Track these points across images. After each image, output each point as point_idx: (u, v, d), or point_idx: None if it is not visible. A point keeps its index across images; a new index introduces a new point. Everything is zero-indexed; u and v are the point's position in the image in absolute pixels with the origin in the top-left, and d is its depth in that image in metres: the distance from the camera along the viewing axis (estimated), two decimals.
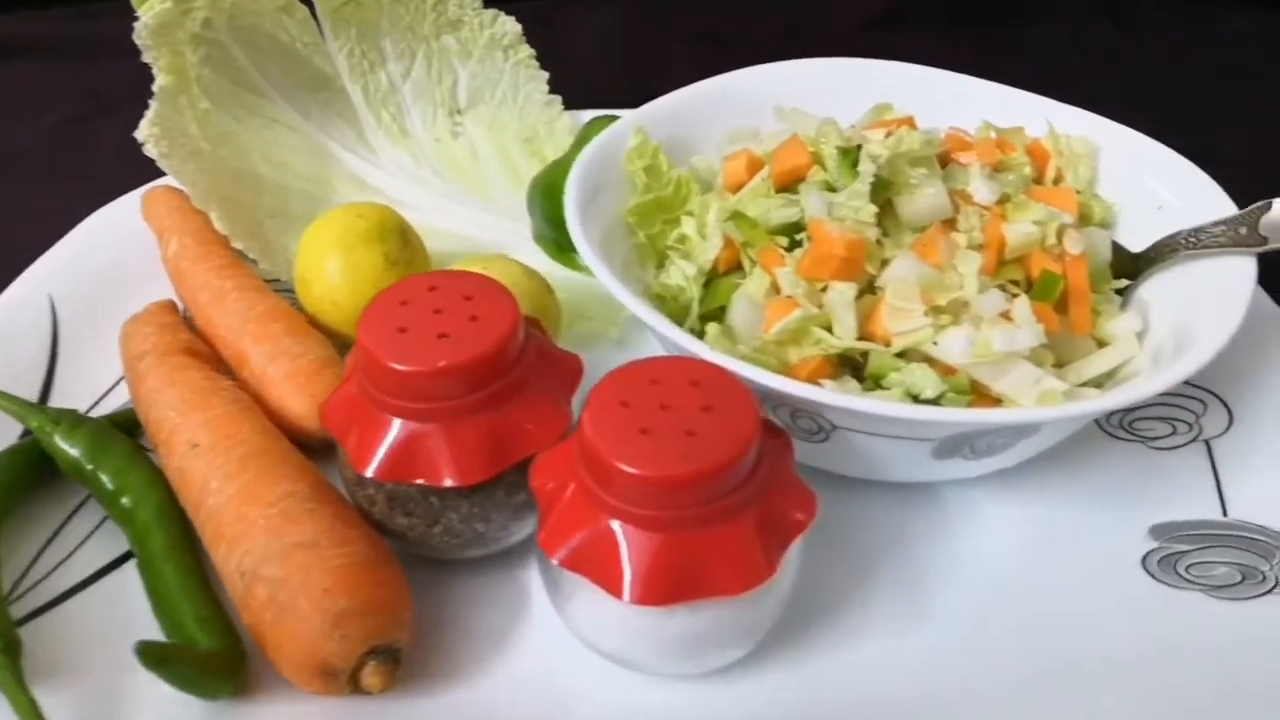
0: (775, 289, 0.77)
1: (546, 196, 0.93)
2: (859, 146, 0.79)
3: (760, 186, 0.84)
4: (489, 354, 0.66)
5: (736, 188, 0.88)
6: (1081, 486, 0.79)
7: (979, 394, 0.71)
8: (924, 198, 0.78)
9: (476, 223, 1.10)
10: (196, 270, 0.93)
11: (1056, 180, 0.90)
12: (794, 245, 0.78)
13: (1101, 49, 1.48)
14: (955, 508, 0.78)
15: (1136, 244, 0.86)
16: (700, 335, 0.78)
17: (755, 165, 0.88)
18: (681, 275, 0.80)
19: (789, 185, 0.83)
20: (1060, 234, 0.78)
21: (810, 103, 0.97)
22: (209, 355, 0.87)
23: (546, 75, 1.18)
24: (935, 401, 0.70)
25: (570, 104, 1.19)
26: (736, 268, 0.81)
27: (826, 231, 0.74)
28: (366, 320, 0.68)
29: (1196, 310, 0.75)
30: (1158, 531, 0.76)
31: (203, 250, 0.95)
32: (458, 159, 1.16)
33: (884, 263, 0.76)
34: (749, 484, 0.60)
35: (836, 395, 0.66)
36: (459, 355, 0.66)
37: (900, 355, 0.72)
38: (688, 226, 0.86)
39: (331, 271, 0.89)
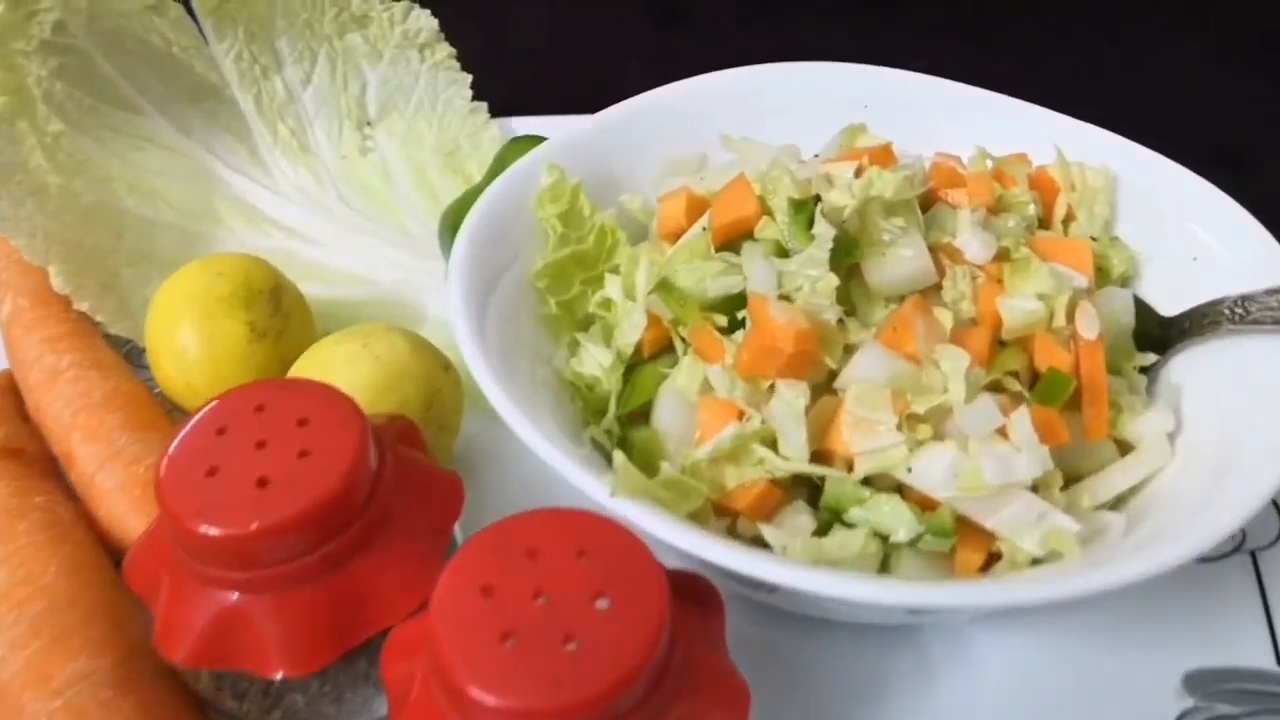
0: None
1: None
2: (816, 198, 0.62)
3: (698, 241, 0.67)
4: (321, 506, 0.51)
5: (675, 236, 0.72)
6: (1098, 617, 0.64)
7: (966, 531, 0.56)
8: (899, 262, 0.62)
9: (386, 260, 0.93)
10: (28, 341, 0.77)
11: (1067, 221, 0.74)
12: (736, 325, 0.62)
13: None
14: (943, 645, 0.63)
15: (1165, 302, 0.70)
16: (620, 442, 0.63)
17: (697, 208, 0.71)
18: (596, 362, 0.64)
19: (733, 241, 0.66)
20: (1071, 308, 0.61)
21: (770, 120, 0.81)
22: (37, 454, 0.72)
23: (469, 78, 1.01)
24: (913, 543, 0.55)
25: (502, 109, 1.02)
26: (668, 348, 0.65)
27: (770, 317, 0.58)
28: (169, 461, 0.53)
29: (1245, 412, 0.59)
30: (1194, 682, 0.61)
31: (39, 314, 0.79)
32: (367, 180, 0.99)
33: (847, 349, 0.60)
34: (652, 696, 0.45)
35: (769, 563, 0.50)
36: (281, 510, 0.50)
37: (866, 482, 0.56)
38: (612, 288, 0.69)
39: (184, 345, 0.73)
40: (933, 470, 0.54)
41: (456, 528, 0.62)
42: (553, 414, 0.61)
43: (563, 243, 0.71)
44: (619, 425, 0.63)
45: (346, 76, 1.01)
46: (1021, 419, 0.55)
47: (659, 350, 0.65)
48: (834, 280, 0.60)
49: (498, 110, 1.02)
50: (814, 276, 0.60)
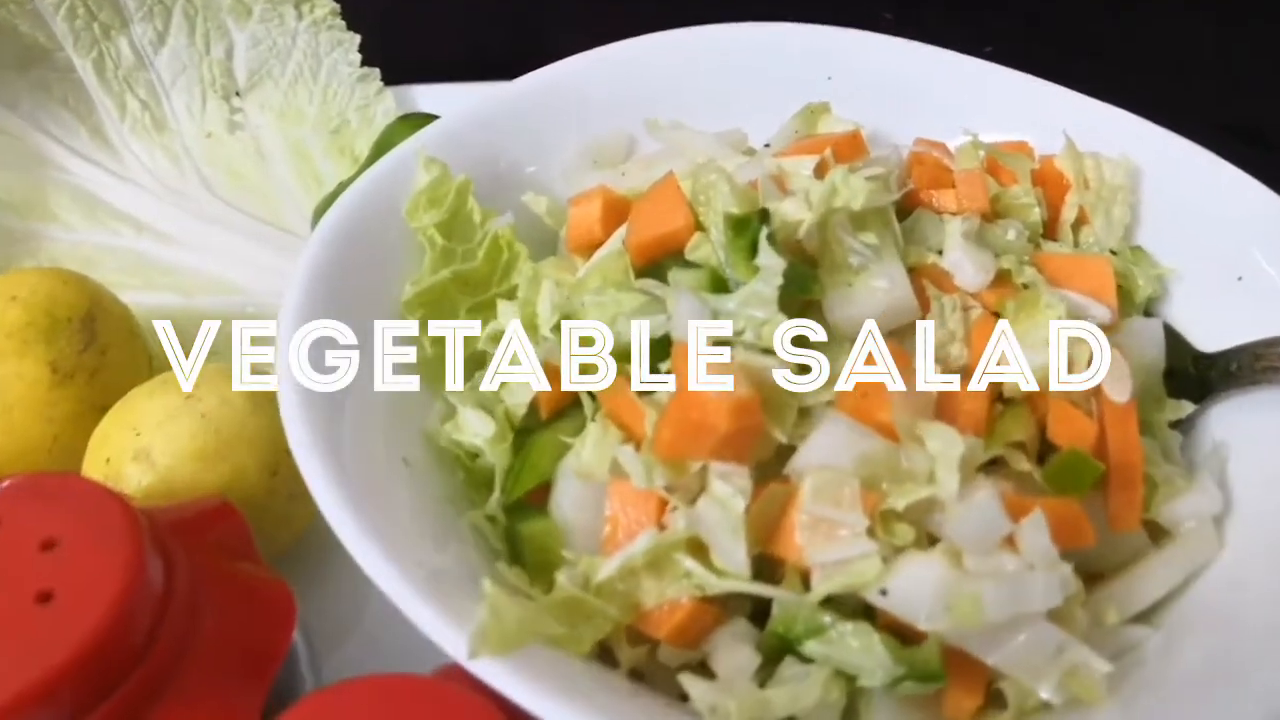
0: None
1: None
2: (763, 214, 0.47)
3: (614, 261, 0.52)
4: (63, 673, 0.36)
5: (589, 249, 0.57)
6: None
7: (958, 666, 0.42)
8: (870, 295, 0.47)
9: (258, 264, 0.78)
10: None
11: (1078, 226, 0.59)
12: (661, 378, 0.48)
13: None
14: None
15: (1201, 333, 0.56)
16: (508, 535, 0.48)
17: (616, 213, 0.56)
18: (475, 431, 0.49)
19: (658, 262, 0.52)
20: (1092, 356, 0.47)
21: (713, 96, 0.65)
22: None
23: (357, 39, 0.85)
24: (891, 686, 0.41)
25: (399, 75, 0.86)
26: (574, 405, 0.50)
27: (699, 381, 0.43)
28: None
29: None
30: None
31: None
32: (236, 163, 0.83)
33: (804, 414, 0.46)
34: None
35: None
36: (9, 682, 0.36)
37: (828, 602, 0.42)
38: (506, 317, 0.54)
39: None
40: (916, 593, 0.40)
41: (298, 643, 0.48)
42: (414, 505, 0.46)
43: (444, 260, 0.56)
44: (506, 514, 0.48)
45: (209, 37, 0.84)
46: (1036, 528, 0.41)
47: (561, 409, 0.50)
48: (784, 321, 0.45)
49: (394, 76, 0.85)
50: (759, 319, 0.46)
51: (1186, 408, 0.52)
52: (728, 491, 0.42)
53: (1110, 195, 0.58)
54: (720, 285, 0.48)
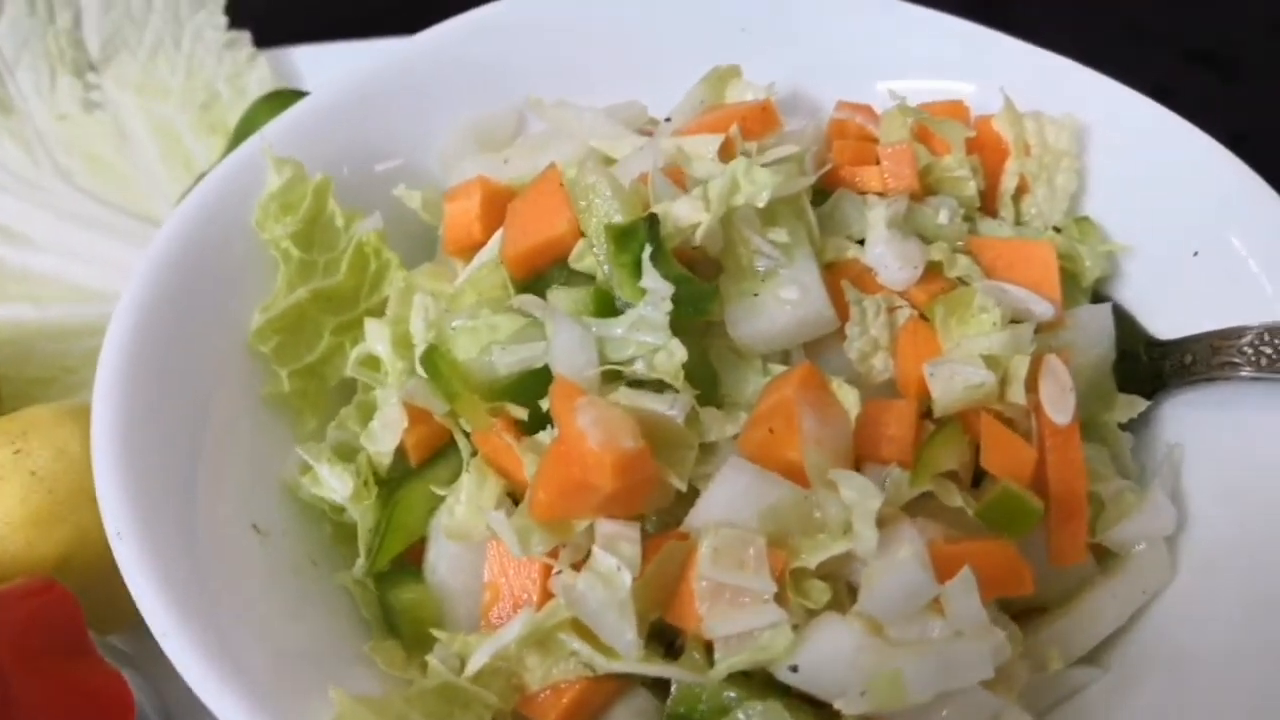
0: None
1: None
2: (650, 220, 0.41)
3: (490, 272, 0.46)
4: None
5: (467, 252, 0.50)
6: None
7: None
8: (778, 309, 0.41)
9: (120, 265, 0.70)
10: None
11: (1019, 196, 0.53)
12: (542, 420, 0.42)
13: None
14: None
15: (1156, 313, 0.50)
16: (380, 604, 0.42)
17: (496, 210, 0.49)
18: (334, 486, 0.43)
19: (540, 273, 0.45)
20: (1036, 367, 0.42)
21: (616, 58, 0.58)
22: None
23: None
24: None
25: (273, 36, 0.76)
26: (450, 446, 0.44)
27: (579, 432, 0.37)
28: None
29: (1273, 503, 0.41)
30: None
31: None
32: (95, 147, 0.74)
33: (705, 450, 0.40)
34: None
35: None
36: None
37: (731, 681, 0.37)
38: (375, 338, 0.48)
39: None
40: (830, 670, 0.35)
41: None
42: (268, 578, 0.40)
43: (301, 276, 0.48)
44: (375, 581, 0.42)
45: (52, 4, 0.75)
46: (965, 589, 0.35)
47: (434, 452, 0.44)
48: (679, 353, 0.39)
49: (268, 37, 0.76)
50: (650, 345, 0.40)
51: (1139, 405, 0.47)
52: (611, 565, 0.36)
53: (1054, 161, 0.52)
54: (608, 304, 0.42)
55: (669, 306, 0.39)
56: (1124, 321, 0.50)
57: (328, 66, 0.74)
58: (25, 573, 0.45)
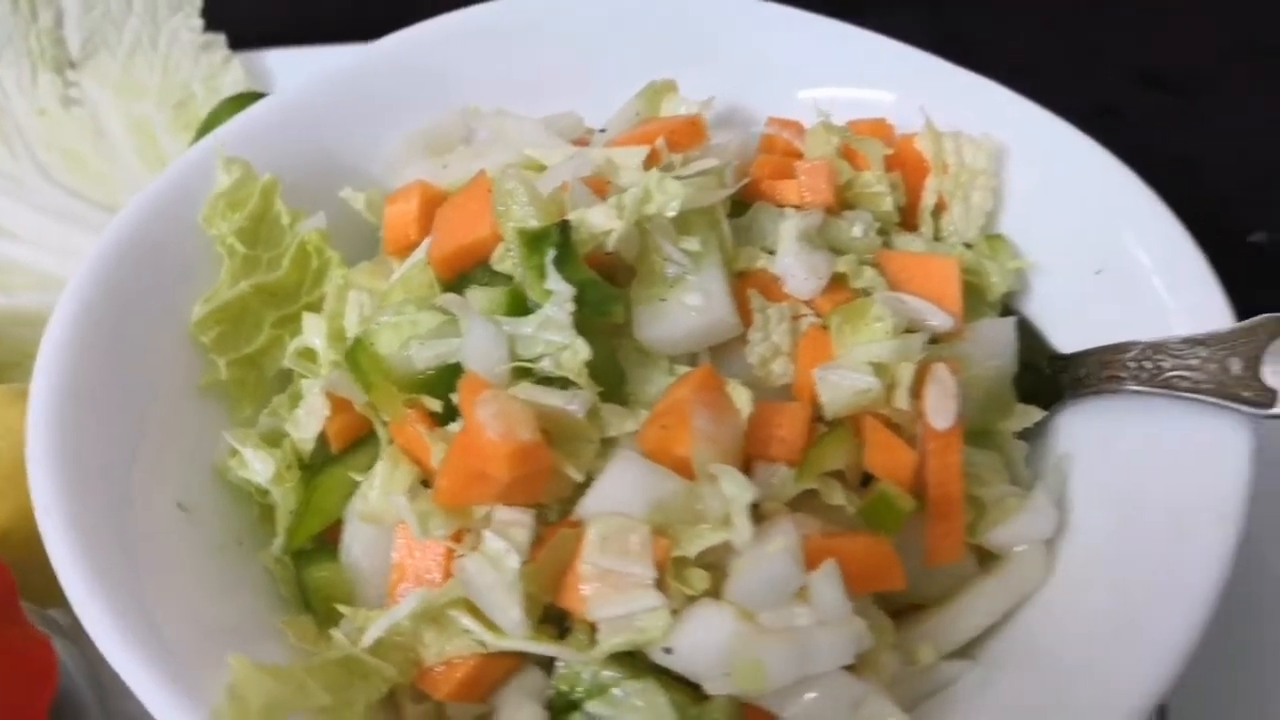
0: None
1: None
2: (562, 226, 0.43)
3: (420, 272, 0.48)
4: None
5: (405, 252, 0.52)
6: None
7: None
8: (682, 314, 0.44)
9: None
10: None
11: (938, 213, 0.55)
12: (455, 412, 0.44)
13: None
14: None
15: (1063, 328, 0.53)
16: (297, 581, 0.45)
17: (432, 212, 0.52)
18: (258, 469, 0.45)
19: (465, 274, 0.47)
20: (923, 375, 0.44)
21: (567, 70, 0.61)
22: None
23: (197, 2, 0.78)
24: None
25: (248, 38, 0.79)
26: (370, 435, 0.47)
27: (479, 424, 0.39)
28: None
29: (1153, 509, 0.43)
30: None
31: None
32: (74, 144, 0.77)
33: (608, 445, 0.43)
34: None
35: None
36: None
37: (615, 659, 0.40)
38: (312, 332, 0.50)
39: None
40: (701, 653, 0.37)
41: (83, 689, 0.45)
42: (195, 554, 0.43)
43: (245, 270, 0.51)
44: (293, 559, 0.45)
45: (35, 2, 0.78)
46: (828, 581, 0.38)
47: (356, 441, 0.46)
48: (582, 351, 0.42)
49: (243, 39, 0.79)
50: (556, 344, 0.42)
51: (1034, 415, 0.49)
52: (500, 548, 0.38)
53: (970, 180, 0.54)
54: (521, 304, 0.44)
55: (572, 307, 0.41)
56: (1029, 336, 0.52)
57: (299, 70, 0.77)
58: None
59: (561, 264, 0.41)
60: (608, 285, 0.43)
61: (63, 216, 0.74)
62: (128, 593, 0.38)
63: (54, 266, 0.72)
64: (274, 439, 0.47)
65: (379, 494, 0.43)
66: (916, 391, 0.43)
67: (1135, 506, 0.44)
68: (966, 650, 0.43)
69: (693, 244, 0.46)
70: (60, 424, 0.43)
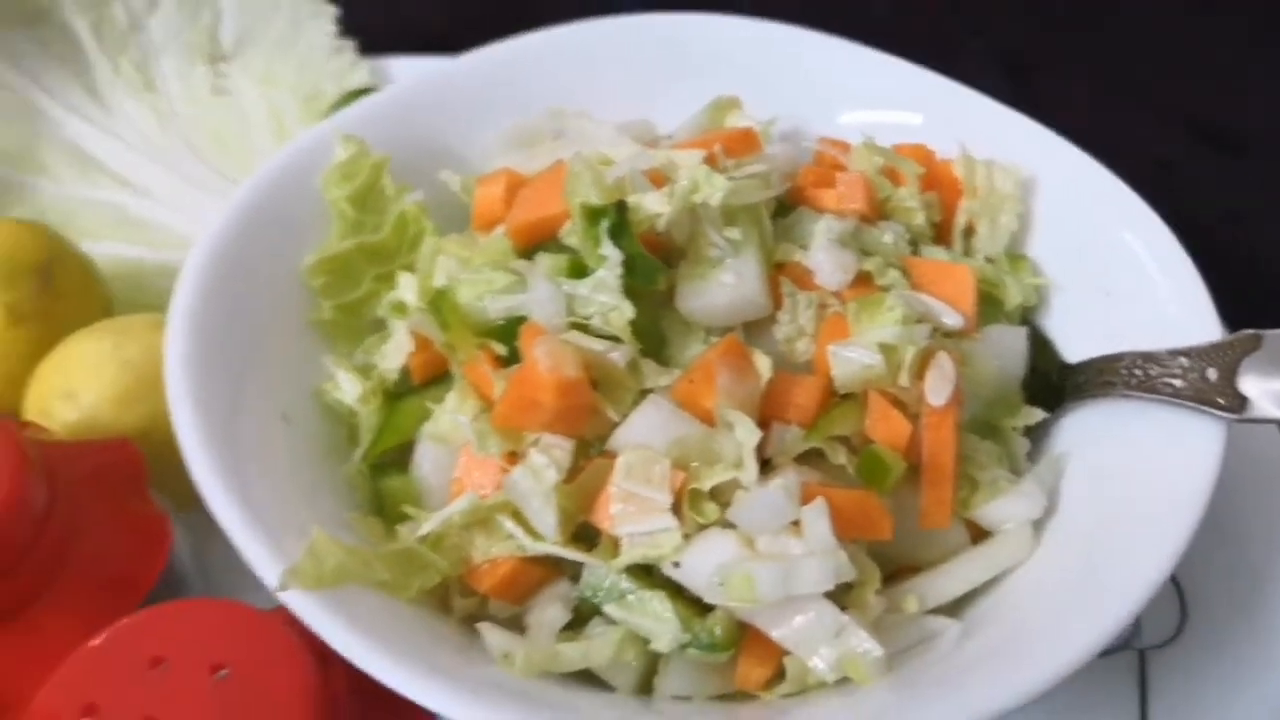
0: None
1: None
2: (620, 205, 0.50)
3: (499, 241, 0.56)
4: None
5: (491, 227, 0.60)
6: None
7: (752, 640, 0.45)
8: (718, 289, 0.50)
9: None
10: None
11: (969, 233, 0.61)
12: (519, 357, 0.51)
13: None
14: None
15: (1074, 343, 0.57)
16: (373, 491, 0.53)
17: (515, 194, 0.60)
18: (346, 390, 0.53)
19: (537, 245, 0.55)
20: (926, 360, 0.49)
21: (653, 85, 0.68)
22: None
23: (333, 10, 0.89)
24: (684, 649, 0.44)
25: (379, 45, 0.89)
26: (446, 375, 0.54)
27: (534, 360, 0.47)
28: None
29: (1127, 502, 0.47)
30: None
31: None
32: (220, 126, 0.88)
33: (645, 395, 0.49)
34: None
35: (437, 688, 0.40)
36: None
37: (634, 571, 0.46)
38: (405, 288, 0.58)
39: None
40: (703, 568, 0.44)
41: (187, 567, 0.53)
42: (292, 459, 0.51)
43: (352, 230, 0.60)
44: (371, 470, 0.53)
45: (199, 4, 0.89)
46: (817, 515, 0.44)
47: (434, 377, 0.54)
48: (627, 311, 0.49)
49: (373, 45, 0.89)
50: (606, 304, 0.49)
51: (1037, 414, 0.54)
52: (542, 462, 0.45)
53: (998, 203, 0.60)
54: (581, 270, 0.51)
55: (621, 272, 0.48)
56: (1041, 345, 0.57)
57: (414, 74, 0.87)
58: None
59: (615, 235, 0.49)
60: (653, 259, 0.50)
61: (204, 187, 0.84)
62: (236, 474, 0.47)
63: (189, 227, 0.83)
64: (365, 371, 0.55)
65: (448, 418, 0.50)
66: (920, 374, 0.49)
67: (1115, 494, 0.48)
68: (951, 611, 0.48)
69: (735, 233, 0.53)
70: (192, 340, 0.51)
